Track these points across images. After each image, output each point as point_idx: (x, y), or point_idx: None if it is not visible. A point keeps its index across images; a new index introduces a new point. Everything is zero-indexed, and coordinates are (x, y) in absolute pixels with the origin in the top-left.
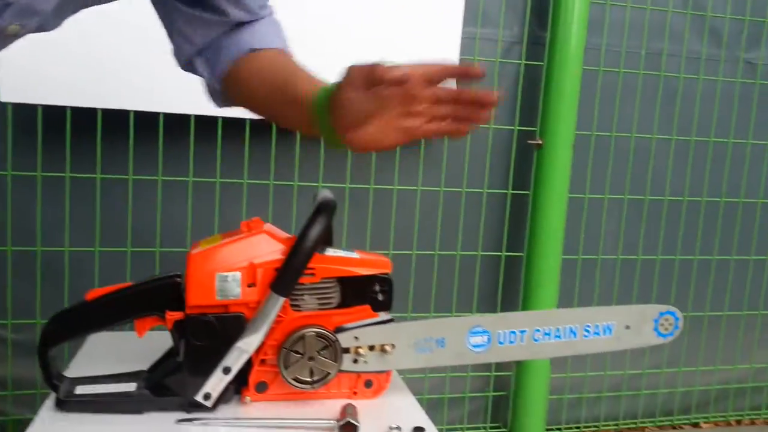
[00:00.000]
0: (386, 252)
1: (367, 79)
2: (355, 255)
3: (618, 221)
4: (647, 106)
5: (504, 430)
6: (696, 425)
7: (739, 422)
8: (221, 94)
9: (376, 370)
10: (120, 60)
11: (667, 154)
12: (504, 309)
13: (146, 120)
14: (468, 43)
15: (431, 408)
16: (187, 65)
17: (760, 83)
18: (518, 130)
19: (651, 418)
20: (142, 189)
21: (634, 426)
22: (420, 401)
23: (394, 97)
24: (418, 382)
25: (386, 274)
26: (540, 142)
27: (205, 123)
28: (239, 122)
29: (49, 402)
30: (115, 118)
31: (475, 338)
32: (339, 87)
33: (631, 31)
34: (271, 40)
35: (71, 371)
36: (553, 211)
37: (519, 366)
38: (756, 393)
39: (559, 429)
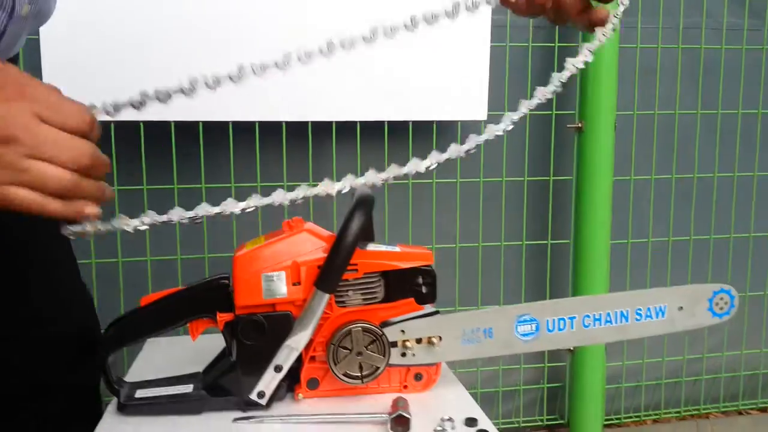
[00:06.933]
0: (429, 246)
1: None
2: (396, 249)
3: (667, 202)
4: (689, 82)
5: (561, 421)
6: (764, 410)
7: None
8: None
9: (425, 363)
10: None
11: (714, 129)
12: (553, 298)
13: (186, 129)
14: (497, 30)
15: (485, 401)
16: None
17: None
18: (555, 114)
19: (715, 404)
20: (188, 198)
21: (697, 413)
22: (473, 395)
23: None
24: (471, 376)
25: (429, 266)
26: (580, 125)
27: (243, 129)
28: (276, 126)
29: (111, 407)
30: (157, 131)
31: (523, 327)
32: None
33: (666, 6)
34: None
35: (131, 376)
36: (599, 195)
37: (573, 356)
38: None
39: (618, 418)
